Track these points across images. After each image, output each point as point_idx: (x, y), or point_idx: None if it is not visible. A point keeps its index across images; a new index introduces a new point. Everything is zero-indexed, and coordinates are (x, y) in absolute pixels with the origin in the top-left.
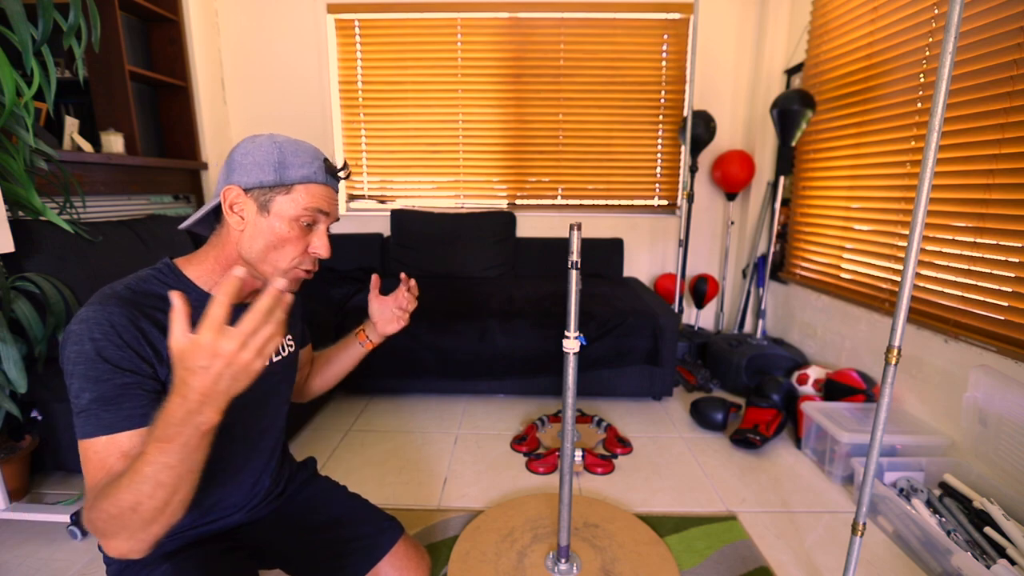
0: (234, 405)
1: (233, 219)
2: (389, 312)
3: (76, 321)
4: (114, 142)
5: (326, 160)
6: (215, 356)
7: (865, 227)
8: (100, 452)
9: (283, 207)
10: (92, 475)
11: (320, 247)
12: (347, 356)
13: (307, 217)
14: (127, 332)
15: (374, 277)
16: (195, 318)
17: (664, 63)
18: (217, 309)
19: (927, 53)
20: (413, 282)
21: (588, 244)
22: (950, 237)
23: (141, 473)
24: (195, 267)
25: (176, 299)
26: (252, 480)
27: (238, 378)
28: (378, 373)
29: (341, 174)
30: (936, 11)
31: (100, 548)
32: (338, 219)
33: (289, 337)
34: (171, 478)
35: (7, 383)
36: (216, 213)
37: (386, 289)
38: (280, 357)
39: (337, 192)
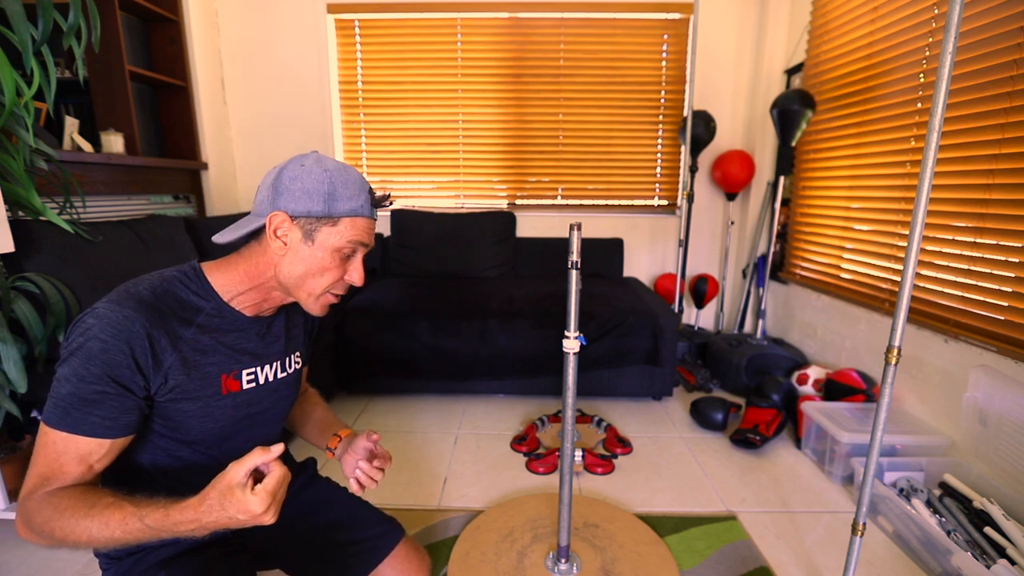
0: (228, 424)
1: (276, 244)
2: (350, 467)
3: (93, 315)
4: (114, 142)
5: (371, 191)
6: (249, 515)
7: (865, 227)
8: (57, 445)
9: (328, 238)
10: (42, 462)
11: (356, 277)
12: (313, 437)
13: (349, 249)
14: (137, 341)
15: (376, 435)
16: (212, 326)
17: (664, 63)
18: (272, 483)
19: (927, 53)
20: (374, 465)
21: (588, 244)
22: (950, 237)
23: (108, 531)
24: (221, 275)
25: (271, 458)
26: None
27: (247, 525)
28: (378, 373)
29: (386, 204)
30: (936, 11)
31: (96, 554)
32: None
33: (297, 354)
34: (131, 543)
35: (7, 383)
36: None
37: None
38: (286, 374)
39: (375, 220)
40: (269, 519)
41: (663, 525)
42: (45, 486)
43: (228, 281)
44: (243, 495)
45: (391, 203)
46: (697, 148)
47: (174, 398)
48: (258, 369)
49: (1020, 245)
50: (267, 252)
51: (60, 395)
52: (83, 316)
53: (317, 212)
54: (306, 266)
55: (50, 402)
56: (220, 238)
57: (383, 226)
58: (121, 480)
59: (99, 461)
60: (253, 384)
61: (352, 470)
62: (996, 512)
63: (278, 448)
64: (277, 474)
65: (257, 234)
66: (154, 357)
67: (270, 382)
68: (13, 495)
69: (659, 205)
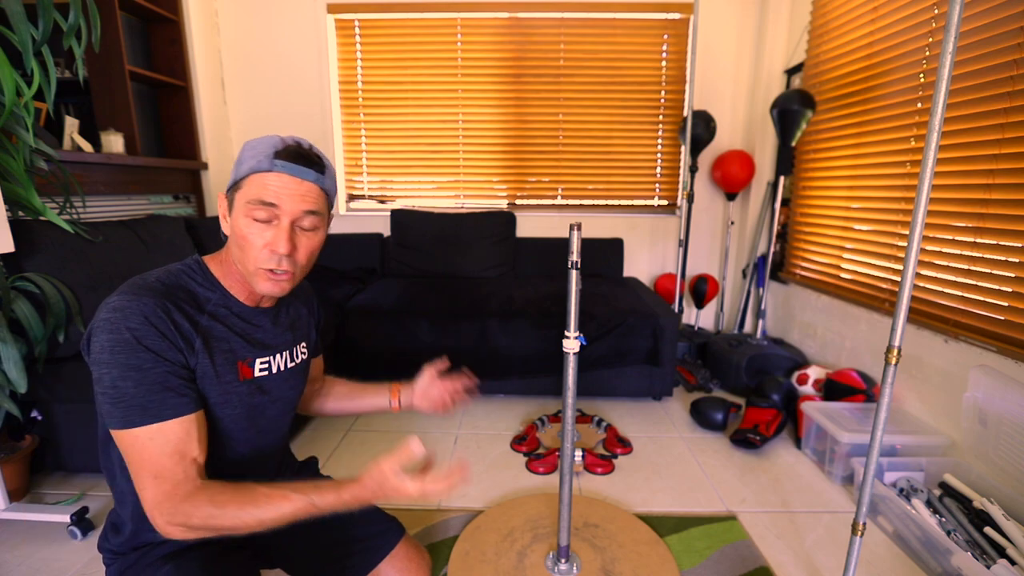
0: (244, 411)
1: (224, 226)
2: (434, 393)
3: (108, 310)
4: (114, 142)
5: (283, 148)
6: (405, 497)
7: (865, 227)
8: (153, 443)
9: (238, 203)
10: (149, 464)
11: (275, 241)
12: (369, 402)
13: (258, 211)
14: (162, 323)
15: (444, 359)
16: (222, 315)
17: (664, 63)
18: (413, 488)
19: (927, 53)
20: (469, 397)
21: (588, 244)
22: (950, 237)
23: (279, 512)
24: (218, 267)
25: (415, 450)
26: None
27: (401, 502)
28: (378, 373)
29: (303, 150)
30: (936, 11)
31: (100, 549)
32: (315, 213)
33: (304, 345)
34: (299, 518)
35: (7, 383)
36: None
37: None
38: (294, 364)
39: (306, 179)
40: (417, 496)
41: (663, 525)
42: (166, 488)
43: (224, 274)
44: (399, 483)
45: (311, 148)
46: (697, 148)
47: (200, 383)
48: (271, 358)
49: (1020, 245)
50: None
51: (127, 395)
52: (99, 316)
53: (230, 182)
54: (234, 239)
55: (119, 409)
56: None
57: (383, 226)
58: None
59: (196, 446)
60: (266, 372)
61: (438, 390)
62: (996, 512)
63: (418, 448)
64: (437, 486)
65: None
66: (183, 338)
67: (282, 371)
68: (13, 495)
69: (659, 205)
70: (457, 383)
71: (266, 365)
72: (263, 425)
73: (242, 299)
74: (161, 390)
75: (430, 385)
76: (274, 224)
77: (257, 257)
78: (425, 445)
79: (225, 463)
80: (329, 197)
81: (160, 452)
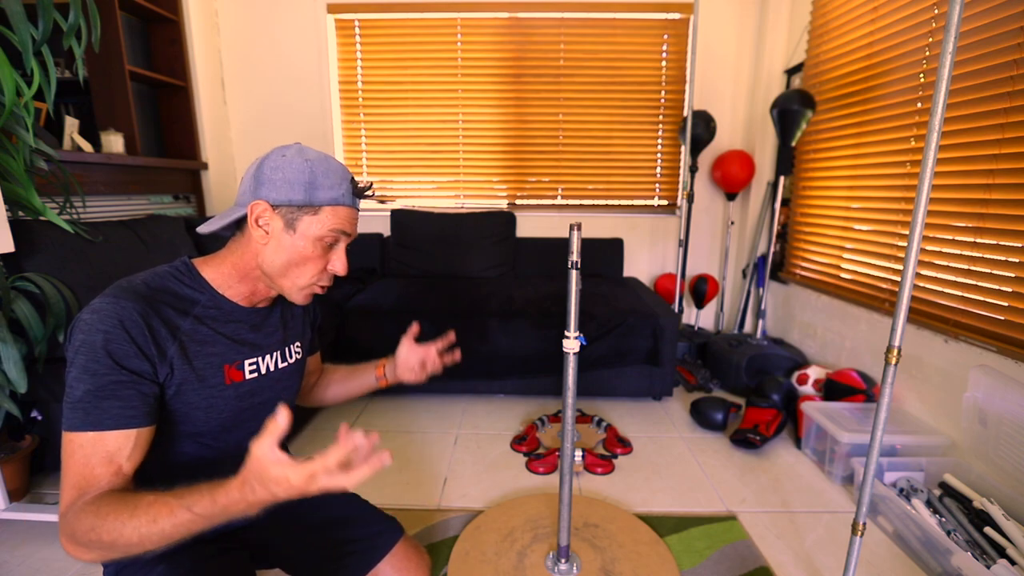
0: (232, 415)
1: (257, 233)
2: (413, 361)
3: (88, 311)
4: (114, 142)
5: (353, 180)
6: (290, 488)
7: (865, 227)
8: (84, 448)
9: (309, 227)
10: (73, 472)
11: (339, 266)
12: (360, 383)
13: (331, 238)
14: (136, 328)
15: (415, 324)
16: (210, 317)
17: (664, 63)
18: (317, 465)
19: (927, 53)
20: (455, 356)
21: (588, 244)
22: (950, 237)
23: (158, 526)
24: (212, 269)
25: (281, 418)
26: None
27: (291, 497)
28: None
29: (368, 193)
30: (936, 11)
31: None
32: (356, 236)
33: (298, 344)
34: (182, 535)
35: (7, 383)
36: (238, 220)
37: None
38: (287, 364)
39: (359, 210)
40: (311, 492)
41: (663, 525)
42: (81, 497)
43: (218, 275)
44: (281, 470)
45: (373, 193)
46: (697, 148)
47: (179, 391)
48: (259, 359)
49: (1020, 245)
50: (251, 243)
51: (76, 397)
52: (80, 315)
53: (298, 201)
54: (288, 255)
55: (67, 409)
56: (204, 228)
57: (383, 226)
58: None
59: (128, 459)
60: (255, 374)
61: (416, 357)
62: (996, 512)
63: (283, 415)
64: (333, 454)
65: (241, 226)
66: (156, 345)
67: (272, 372)
68: (13, 495)
69: (659, 205)
70: (431, 348)
71: (255, 366)
72: (254, 428)
73: (238, 300)
74: (108, 398)
75: (408, 354)
76: (334, 248)
77: (316, 275)
78: (425, 444)
79: (215, 469)
80: None
81: (86, 461)
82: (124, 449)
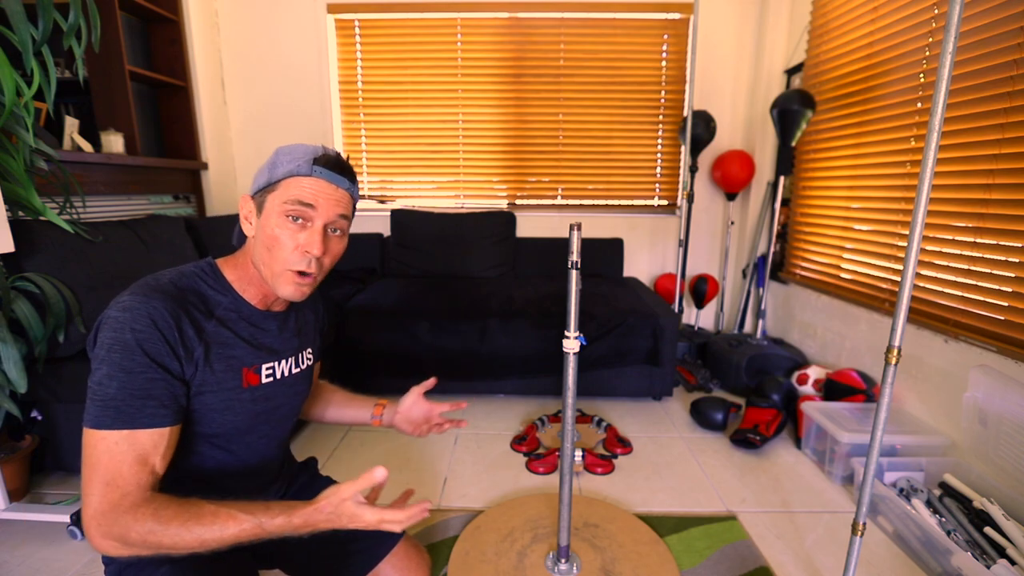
0: (248, 418)
1: (247, 228)
2: (416, 414)
3: (117, 308)
4: (114, 142)
5: (322, 156)
6: (359, 523)
7: (865, 227)
8: (118, 446)
9: (272, 204)
10: (104, 470)
11: (309, 243)
12: (354, 414)
13: (292, 211)
14: (167, 327)
15: (432, 379)
16: (231, 320)
17: (664, 63)
18: (388, 515)
19: (927, 53)
20: (461, 423)
21: (588, 244)
22: (950, 237)
23: (221, 534)
24: (231, 271)
25: (379, 476)
26: (258, 484)
27: (352, 527)
28: (378, 373)
29: (339, 169)
30: (936, 11)
31: None
32: (346, 218)
33: (309, 350)
34: (235, 544)
35: (7, 383)
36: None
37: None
38: (300, 369)
39: (340, 187)
40: (375, 524)
41: (663, 525)
42: (113, 497)
43: (237, 277)
44: (357, 509)
45: (347, 158)
46: (697, 148)
47: (200, 391)
48: (276, 364)
49: (1020, 245)
50: (250, 241)
51: (108, 396)
52: (108, 313)
53: (262, 183)
54: (262, 241)
55: (96, 407)
56: (236, 240)
57: (383, 226)
58: None
59: (160, 460)
60: (271, 379)
61: (421, 412)
62: (996, 512)
63: (382, 474)
64: (399, 516)
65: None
66: (184, 346)
67: (286, 377)
68: (13, 495)
69: (659, 205)
70: (438, 409)
71: (271, 371)
72: (266, 431)
73: (255, 303)
74: (143, 397)
75: (413, 406)
76: (307, 227)
77: (288, 258)
78: (425, 444)
79: (227, 470)
80: (355, 206)
81: (121, 460)
82: (159, 448)
